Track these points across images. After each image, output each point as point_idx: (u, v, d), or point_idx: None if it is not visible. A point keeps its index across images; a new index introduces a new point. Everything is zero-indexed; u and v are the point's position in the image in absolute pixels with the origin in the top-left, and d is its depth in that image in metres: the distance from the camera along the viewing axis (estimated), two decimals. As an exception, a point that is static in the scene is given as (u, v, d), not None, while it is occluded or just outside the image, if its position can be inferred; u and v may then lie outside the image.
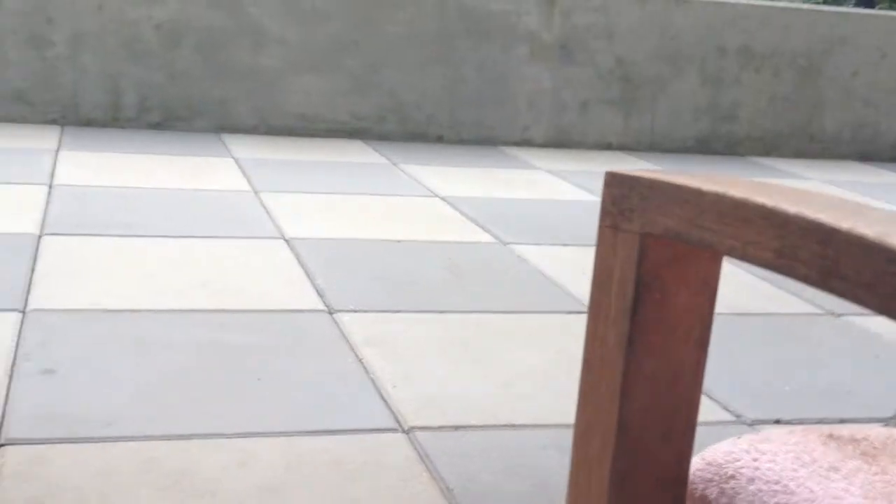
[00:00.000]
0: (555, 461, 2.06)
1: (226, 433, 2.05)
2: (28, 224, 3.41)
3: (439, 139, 5.84)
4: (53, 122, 5.27)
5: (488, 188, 4.75)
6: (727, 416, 2.34)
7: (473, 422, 2.20)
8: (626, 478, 0.60)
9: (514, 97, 5.99)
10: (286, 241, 3.49)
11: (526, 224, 4.07)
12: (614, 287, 0.58)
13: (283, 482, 1.88)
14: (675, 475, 0.61)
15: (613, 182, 0.58)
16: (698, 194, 0.52)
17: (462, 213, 4.16)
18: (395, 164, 5.08)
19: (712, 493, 0.64)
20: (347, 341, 2.60)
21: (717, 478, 0.65)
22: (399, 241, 3.63)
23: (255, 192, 4.19)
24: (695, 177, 0.55)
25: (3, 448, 1.91)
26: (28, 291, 2.77)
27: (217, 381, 2.31)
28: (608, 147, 6.17)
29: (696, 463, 0.66)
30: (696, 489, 0.65)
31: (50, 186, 3.97)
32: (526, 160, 5.59)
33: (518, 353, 2.65)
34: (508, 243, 3.73)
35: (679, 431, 0.61)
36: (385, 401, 2.26)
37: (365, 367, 2.43)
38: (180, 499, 1.79)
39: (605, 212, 0.59)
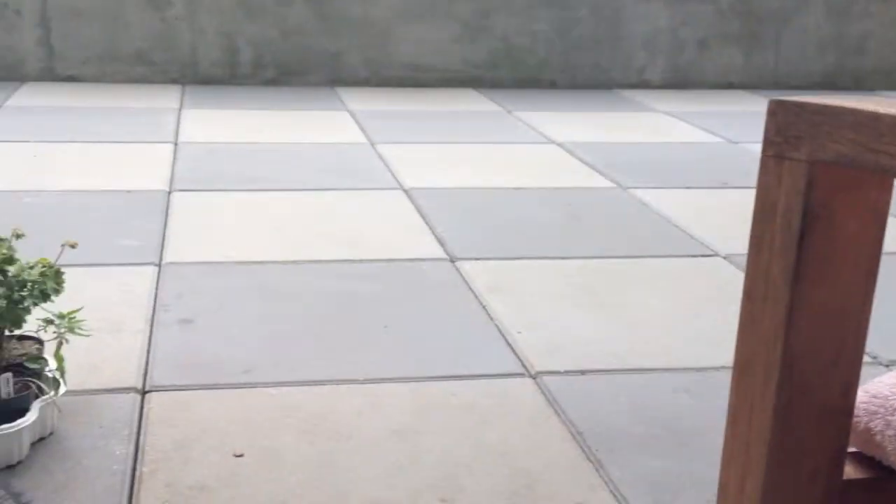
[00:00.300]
0: (685, 405, 2.04)
1: (357, 379, 2.09)
2: (158, 181, 3.53)
3: (552, 84, 5.78)
4: (174, 81, 5.42)
5: (605, 132, 4.69)
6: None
7: (600, 366, 2.20)
8: (789, 410, 0.59)
9: (629, 37, 5.86)
10: (405, 191, 3.52)
11: (645, 168, 4.01)
12: (779, 218, 0.57)
13: (414, 426, 1.92)
14: (840, 407, 0.60)
15: (779, 110, 0.56)
16: (874, 118, 0.50)
17: (579, 158, 4.12)
18: (509, 112, 5.05)
19: (877, 425, 0.63)
20: (470, 289, 2.61)
21: (882, 410, 0.63)
22: (517, 189, 3.62)
23: (372, 144, 4.23)
24: (867, 100, 0.53)
25: (148, 394, 2.00)
26: (162, 245, 2.87)
27: (346, 328, 2.36)
28: (728, 86, 6.00)
29: (860, 396, 0.64)
30: (860, 422, 0.64)
31: (175, 144, 4.09)
32: (643, 102, 5.49)
33: (642, 298, 2.63)
34: (628, 188, 3.68)
35: (846, 363, 0.59)
36: (511, 346, 2.27)
37: (489, 314, 2.45)
38: (319, 442, 1.85)
39: (769, 142, 0.57)
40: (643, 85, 5.90)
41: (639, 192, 3.62)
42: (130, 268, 2.68)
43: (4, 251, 1.67)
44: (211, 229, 3.05)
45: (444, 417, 1.95)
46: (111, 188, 3.41)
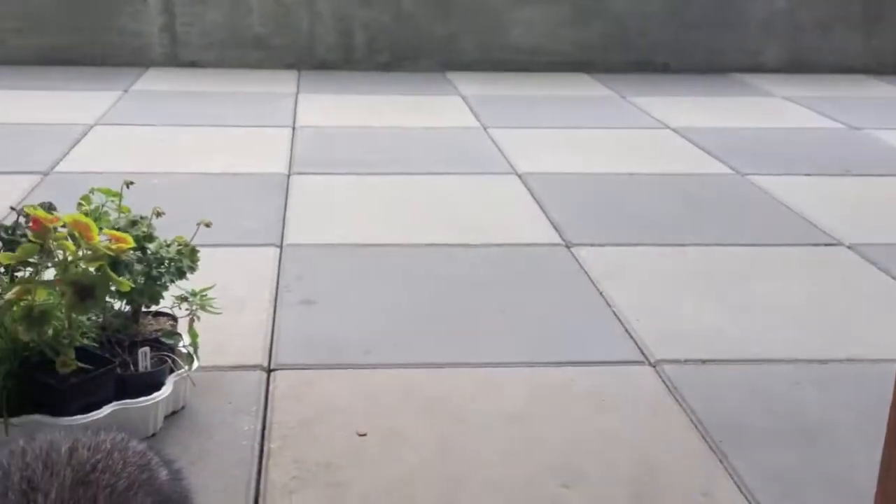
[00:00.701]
0: (809, 397, 2.00)
1: (474, 362, 2.11)
2: (277, 164, 3.61)
3: (665, 67, 5.69)
4: (290, 66, 5.52)
5: (720, 117, 4.59)
6: None
7: (721, 356, 2.17)
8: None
9: (746, 19, 5.73)
10: (518, 176, 3.52)
11: (764, 154, 3.92)
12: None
13: (532, 410, 1.93)
14: None
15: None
16: None
17: (695, 143, 4.05)
18: (622, 97, 4.99)
19: None
20: (587, 274, 2.61)
21: None
22: (632, 175, 3.58)
23: (484, 129, 4.24)
24: None
25: (273, 372, 2.06)
26: (283, 227, 2.94)
27: (463, 312, 2.38)
28: (848, 70, 5.80)
29: None
30: None
31: (293, 128, 4.18)
32: (759, 87, 5.36)
33: (763, 287, 2.58)
34: (746, 174, 3.61)
35: None
36: (629, 333, 2.26)
37: (606, 300, 2.44)
38: (439, 424, 1.87)
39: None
40: (759, 68, 5.75)
41: (757, 179, 3.54)
42: (253, 249, 2.76)
43: (145, 229, 1.74)
44: (329, 212, 3.11)
45: (562, 403, 1.96)
46: (233, 171, 3.50)
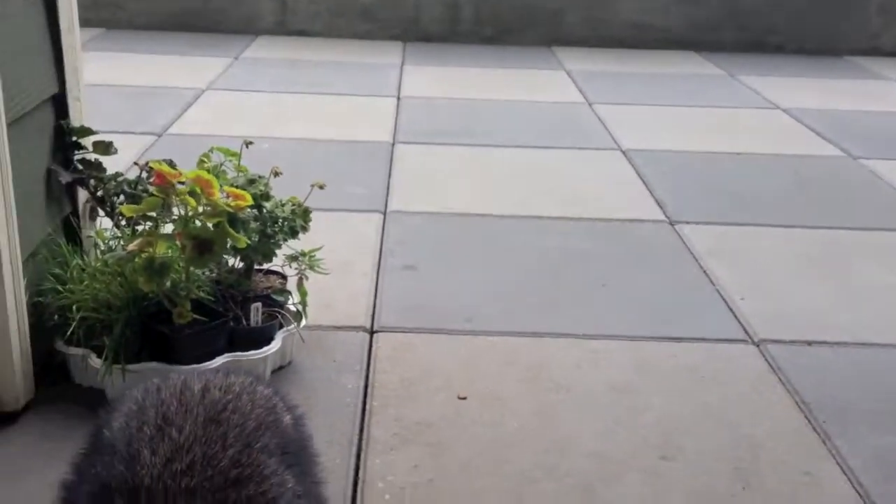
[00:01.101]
0: (919, 384, 1.95)
1: (576, 333, 2.12)
2: (383, 133, 3.65)
3: (778, 48, 5.55)
4: (396, 37, 5.55)
5: (834, 100, 4.47)
6: None
7: (826, 337, 2.13)
8: None
9: (864, 2, 5.54)
10: (623, 152, 3.50)
11: (878, 138, 3.80)
12: None
13: (632, 382, 1.92)
14: None
15: None
16: None
17: (806, 125, 3.95)
18: (732, 76, 4.89)
19: None
20: (690, 252, 2.58)
21: None
22: (739, 154, 3.52)
23: (589, 104, 4.21)
24: None
25: (376, 334, 2.10)
26: (387, 194, 2.98)
27: (565, 284, 2.38)
28: (972, 54, 5.57)
29: None
30: None
31: (398, 98, 4.21)
32: (875, 70, 5.19)
33: (872, 271, 2.52)
34: (858, 157, 3.51)
35: None
36: (733, 312, 2.23)
37: (710, 278, 2.41)
38: (538, 391, 1.89)
39: None
40: (876, 52, 5.57)
41: (869, 163, 3.45)
42: (357, 214, 2.81)
43: (262, 188, 1.79)
44: (432, 181, 3.14)
45: (663, 377, 1.95)
46: (339, 138, 3.56)
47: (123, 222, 1.88)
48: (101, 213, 1.93)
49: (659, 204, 2.95)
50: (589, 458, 1.67)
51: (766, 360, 2.02)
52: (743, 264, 2.52)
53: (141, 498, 0.95)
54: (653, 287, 2.37)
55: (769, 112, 4.19)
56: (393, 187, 3.05)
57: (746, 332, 2.14)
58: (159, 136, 3.47)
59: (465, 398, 1.86)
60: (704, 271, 2.46)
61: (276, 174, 1.86)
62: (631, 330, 2.14)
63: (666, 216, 2.85)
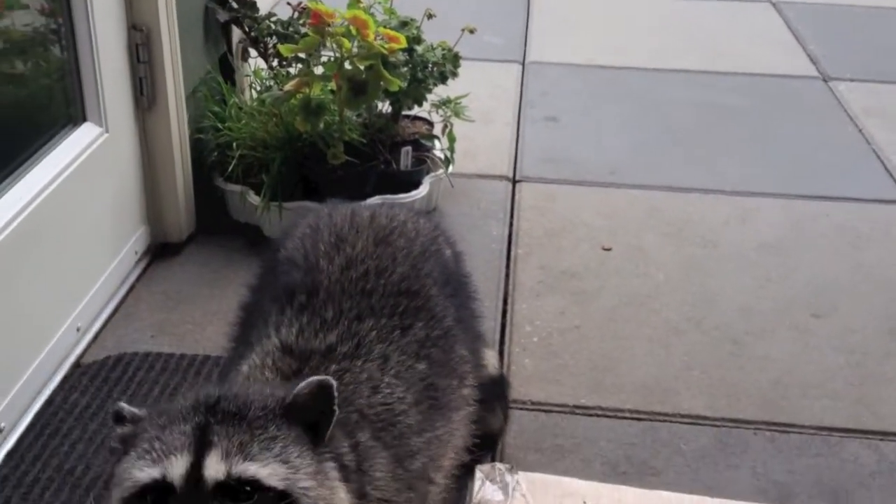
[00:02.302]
0: None
1: (725, 190, 2.07)
2: (520, -19, 3.55)
3: None
4: None
5: None
6: None
7: None
8: None
9: None
10: (772, 4, 3.32)
11: None
12: None
13: (783, 240, 1.88)
14: None
15: None
16: None
17: (974, -22, 3.68)
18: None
19: None
20: (845, 110, 2.47)
21: None
22: (899, 8, 3.32)
23: (736, -46, 3.99)
24: None
25: (519, 184, 2.10)
26: (525, 44, 2.92)
27: (713, 139, 2.32)
28: None
29: None
30: None
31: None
32: None
33: None
34: None
35: None
36: (889, 172, 2.14)
37: (865, 137, 2.31)
38: (684, 245, 1.86)
39: None
40: None
41: None
42: (497, 64, 2.76)
43: (414, 31, 1.77)
44: (573, 32, 3.05)
45: (816, 236, 1.90)
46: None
47: (276, 63, 1.90)
48: (253, 53, 1.94)
49: (812, 59, 2.81)
50: (737, 313, 1.65)
51: (926, 222, 1.94)
52: (901, 124, 2.40)
53: (320, 295, 0.99)
54: (805, 145, 2.28)
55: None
56: (531, 37, 2.98)
57: (904, 193, 2.06)
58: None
59: (609, 249, 1.86)
60: (860, 130, 2.35)
61: (430, 16, 1.83)
62: (782, 187, 2.08)
63: (819, 72, 2.72)
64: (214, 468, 0.77)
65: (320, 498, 0.79)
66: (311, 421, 0.82)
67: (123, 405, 0.85)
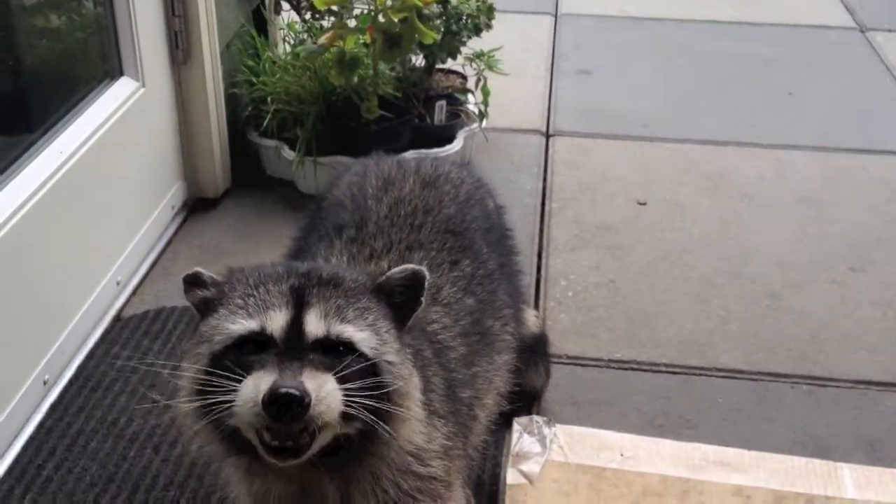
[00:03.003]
0: None
1: (760, 143, 2.05)
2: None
3: None
4: None
5: None
6: None
7: None
8: None
9: None
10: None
11: None
12: None
13: (821, 194, 1.86)
14: None
15: None
16: None
17: None
18: None
19: None
20: (883, 62, 2.43)
21: None
22: (939, -43, 3.24)
23: None
24: None
25: (552, 138, 2.08)
26: (558, -4, 2.89)
27: (747, 92, 2.29)
28: None
29: None
30: None
31: None
32: None
33: None
34: None
35: None
36: (928, 126, 2.12)
37: (903, 90, 2.28)
38: (720, 198, 1.85)
39: None
40: None
41: None
42: (529, 16, 2.74)
43: (449, -18, 1.75)
44: (604, -18, 3.02)
45: (853, 189, 1.88)
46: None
47: (309, 16, 1.89)
48: (286, 6, 1.93)
49: (848, 9, 2.77)
50: (774, 266, 1.64)
51: (965, 176, 1.92)
52: (941, 75, 2.37)
53: (369, 228, 1.01)
54: (842, 97, 2.25)
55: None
56: (564, -11, 2.95)
57: (943, 147, 2.03)
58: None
59: (644, 203, 1.85)
60: (898, 82, 2.32)
61: (462, -33, 1.81)
62: (820, 141, 2.05)
63: (856, 23, 2.68)
64: (315, 324, 0.78)
65: (401, 377, 0.80)
66: (397, 305, 0.83)
67: (201, 270, 0.85)
